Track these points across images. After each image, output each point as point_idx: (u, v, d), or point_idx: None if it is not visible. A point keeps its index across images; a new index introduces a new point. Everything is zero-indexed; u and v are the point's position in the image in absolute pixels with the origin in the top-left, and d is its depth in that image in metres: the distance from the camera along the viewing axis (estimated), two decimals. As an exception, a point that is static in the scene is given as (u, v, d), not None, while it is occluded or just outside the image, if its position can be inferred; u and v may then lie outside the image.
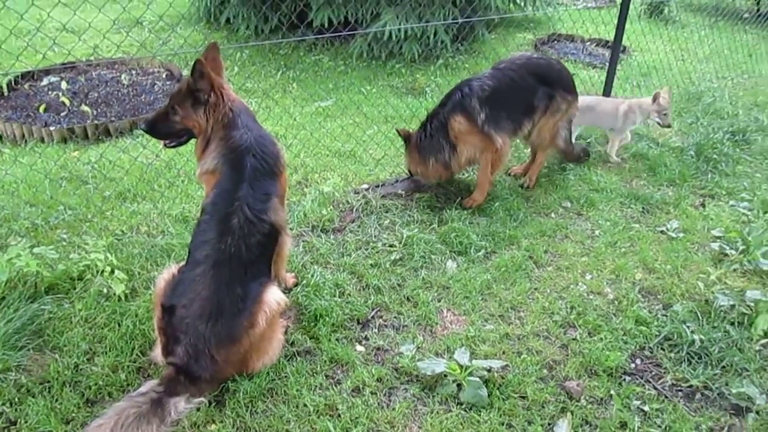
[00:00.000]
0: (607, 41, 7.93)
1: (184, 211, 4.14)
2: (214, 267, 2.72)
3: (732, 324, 3.40)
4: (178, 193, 4.40)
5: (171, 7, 4.14)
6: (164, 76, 6.74)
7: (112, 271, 3.40)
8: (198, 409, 2.70)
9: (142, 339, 3.07)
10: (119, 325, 3.15)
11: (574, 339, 3.30)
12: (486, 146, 4.31)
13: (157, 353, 2.85)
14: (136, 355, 3.00)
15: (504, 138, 4.34)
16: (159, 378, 2.69)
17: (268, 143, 3.00)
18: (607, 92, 5.97)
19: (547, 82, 4.48)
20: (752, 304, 3.48)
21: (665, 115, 5.24)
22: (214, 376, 2.74)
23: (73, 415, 2.69)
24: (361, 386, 2.93)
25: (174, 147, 3.16)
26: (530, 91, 4.44)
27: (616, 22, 5.77)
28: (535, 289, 3.68)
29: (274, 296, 2.83)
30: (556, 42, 9.02)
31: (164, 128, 3.03)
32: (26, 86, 6.24)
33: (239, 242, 2.77)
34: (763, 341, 3.30)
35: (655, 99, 5.24)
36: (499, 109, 4.28)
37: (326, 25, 7.05)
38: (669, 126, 5.41)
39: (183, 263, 2.88)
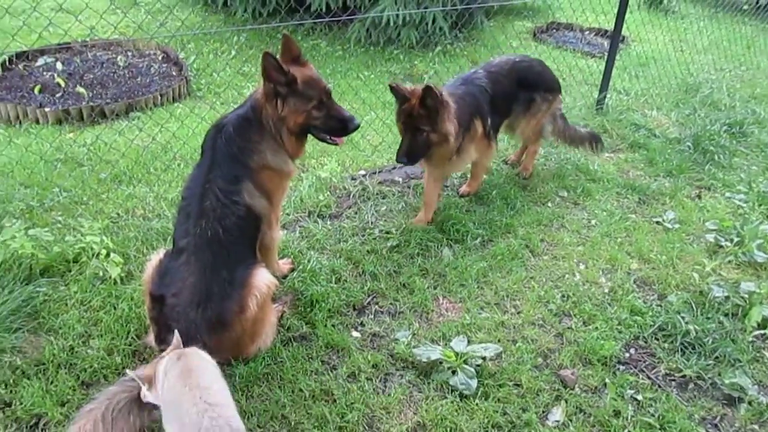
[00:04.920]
0: (606, 31, 7.89)
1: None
2: (195, 252, 2.71)
3: (726, 315, 3.43)
4: (174, 176, 4.37)
5: (168, -11, 4.09)
6: (160, 58, 6.68)
7: (108, 254, 3.38)
8: (193, 393, 2.70)
9: (137, 322, 3.07)
10: (114, 308, 3.14)
11: (569, 328, 3.31)
12: (485, 149, 4.28)
13: (151, 339, 2.85)
14: (132, 338, 3.00)
15: (495, 142, 4.36)
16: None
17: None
18: (605, 83, 5.96)
19: (528, 85, 4.44)
20: (746, 296, 3.51)
21: None
22: (207, 361, 2.74)
23: (69, 397, 2.68)
24: (356, 372, 2.94)
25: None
26: (512, 97, 4.41)
27: (615, 11, 5.75)
28: (531, 277, 3.69)
29: (262, 279, 2.80)
30: (554, 30, 8.98)
31: None
32: (21, 66, 6.16)
33: (215, 224, 2.74)
34: (757, 332, 3.33)
35: None
36: (493, 114, 4.26)
37: (324, 9, 7.00)
38: None
39: (171, 248, 2.87)
